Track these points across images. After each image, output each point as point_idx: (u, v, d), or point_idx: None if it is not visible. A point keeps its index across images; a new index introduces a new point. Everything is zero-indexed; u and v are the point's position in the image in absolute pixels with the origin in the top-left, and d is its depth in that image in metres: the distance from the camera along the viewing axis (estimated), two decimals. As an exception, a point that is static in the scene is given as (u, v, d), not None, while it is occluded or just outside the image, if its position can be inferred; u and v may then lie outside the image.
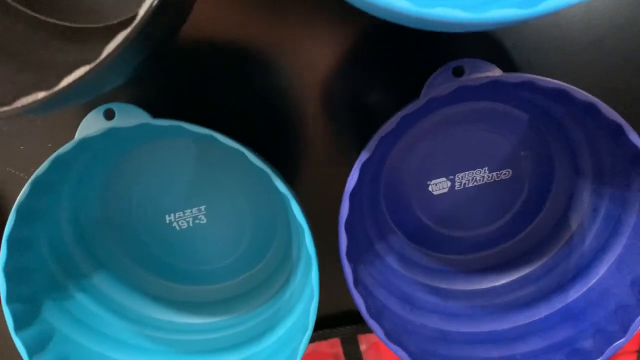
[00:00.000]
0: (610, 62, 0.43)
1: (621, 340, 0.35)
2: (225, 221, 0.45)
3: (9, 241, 0.35)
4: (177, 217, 0.44)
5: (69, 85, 0.22)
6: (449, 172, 0.44)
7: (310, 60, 0.42)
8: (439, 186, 0.44)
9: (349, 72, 0.43)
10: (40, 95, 0.22)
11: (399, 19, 0.25)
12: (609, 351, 0.35)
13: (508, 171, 0.44)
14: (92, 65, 0.22)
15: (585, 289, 0.41)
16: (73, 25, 0.36)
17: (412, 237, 0.46)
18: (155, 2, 0.23)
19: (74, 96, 0.25)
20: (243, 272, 0.47)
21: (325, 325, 0.50)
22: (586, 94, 0.33)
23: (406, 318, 0.41)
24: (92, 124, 0.36)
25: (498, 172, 0.44)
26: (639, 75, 0.43)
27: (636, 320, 0.35)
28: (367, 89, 0.44)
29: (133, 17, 0.23)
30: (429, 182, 0.44)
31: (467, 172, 0.44)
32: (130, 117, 0.36)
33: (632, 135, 0.34)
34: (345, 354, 0.51)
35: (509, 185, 0.44)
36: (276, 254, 0.46)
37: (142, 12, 0.22)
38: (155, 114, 0.37)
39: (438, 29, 0.25)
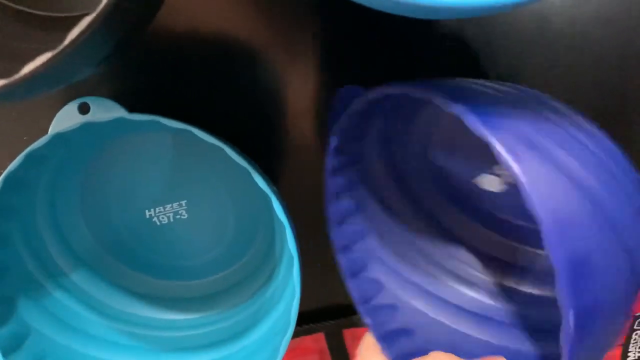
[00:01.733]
0: (595, 57, 0.42)
1: None
2: (206, 216, 0.44)
3: (-18, 239, 0.34)
4: (157, 212, 0.44)
5: (31, 73, 0.22)
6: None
7: (294, 53, 0.42)
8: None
9: (335, 67, 0.42)
10: (0, 83, 0.22)
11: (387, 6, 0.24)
12: None
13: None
14: (55, 52, 0.22)
15: None
16: (39, 12, 0.35)
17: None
18: (121, -13, 0.22)
19: (38, 85, 0.24)
20: (225, 268, 0.46)
21: (309, 320, 0.49)
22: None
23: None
24: (66, 119, 0.36)
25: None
26: (623, 70, 0.43)
27: None
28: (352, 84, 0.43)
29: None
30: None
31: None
32: (106, 111, 0.36)
33: None
34: (330, 348, 0.50)
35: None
36: (259, 250, 0.45)
37: (107, -4, 0.22)
38: (133, 108, 0.36)
39: (430, 16, 0.25)
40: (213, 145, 0.36)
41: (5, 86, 0.21)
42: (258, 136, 0.44)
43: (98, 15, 0.22)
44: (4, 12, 0.34)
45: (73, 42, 0.22)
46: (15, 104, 0.41)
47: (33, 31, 0.34)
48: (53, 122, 0.36)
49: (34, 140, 0.35)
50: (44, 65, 0.22)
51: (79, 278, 0.43)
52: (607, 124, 0.42)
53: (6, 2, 0.34)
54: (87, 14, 0.35)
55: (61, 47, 0.22)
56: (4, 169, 0.43)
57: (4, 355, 0.34)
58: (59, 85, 0.27)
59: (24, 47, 0.31)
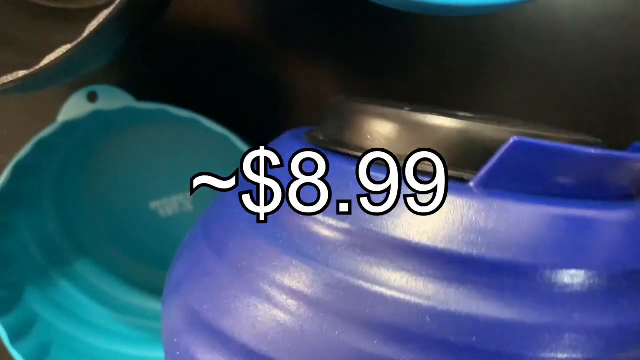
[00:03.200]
0: (600, 55, 0.43)
1: None
2: (211, 208, 0.44)
3: (-11, 226, 0.35)
4: (162, 203, 0.44)
5: (50, 64, 0.22)
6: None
7: (302, 43, 0.42)
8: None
9: (342, 58, 0.43)
10: (21, 73, 0.22)
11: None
12: None
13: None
14: (74, 43, 0.22)
15: None
16: (55, 6, 0.35)
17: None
18: (139, -20, 0.22)
19: (56, 76, 0.24)
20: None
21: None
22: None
23: None
24: (75, 107, 0.36)
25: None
26: (628, 69, 0.43)
27: None
28: (359, 76, 0.43)
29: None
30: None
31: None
32: (114, 99, 0.36)
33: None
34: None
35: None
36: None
37: (125, -11, 0.22)
38: (140, 97, 0.36)
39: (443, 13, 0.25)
40: (218, 135, 0.36)
41: (25, 77, 0.22)
42: (264, 127, 0.44)
43: (115, 8, 0.22)
44: (15, 4, 0.34)
45: (91, 34, 0.22)
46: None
47: (44, 24, 0.34)
48: (62, 110, 0.36)
49: (41, 128, 0.35)
50: (63, 56, 0.22)
51: (84, 268, 0.43)
52: (613, 123, 0.42)
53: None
54: (99, 6, 0.35)
55: (80, 39, 0.22)
56: (12, 157, 0.44)
57: (11, 342, 0.35)
58: (74, 75, 0.27)
59: (38, 40, 0.32)
